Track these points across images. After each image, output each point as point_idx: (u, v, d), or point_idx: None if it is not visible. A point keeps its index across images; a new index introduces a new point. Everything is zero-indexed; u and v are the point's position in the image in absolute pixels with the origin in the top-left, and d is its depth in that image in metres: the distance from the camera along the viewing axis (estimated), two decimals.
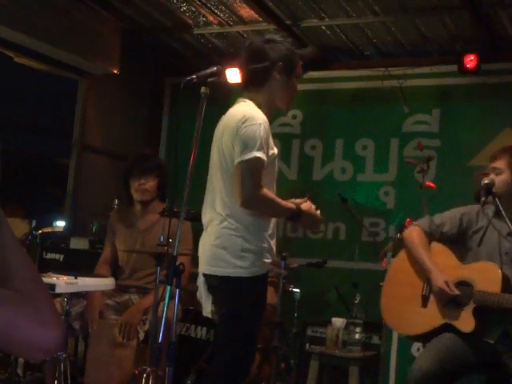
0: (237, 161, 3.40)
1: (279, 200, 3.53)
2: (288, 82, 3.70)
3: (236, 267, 3.42)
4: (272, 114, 3.74)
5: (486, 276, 3.72)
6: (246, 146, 3.38)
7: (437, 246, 3.97)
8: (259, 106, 3.59)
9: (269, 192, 3.48)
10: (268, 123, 3.51)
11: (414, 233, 4.01)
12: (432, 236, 3.97)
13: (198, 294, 3.70)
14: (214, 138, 3.67)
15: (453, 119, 6.41)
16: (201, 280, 3.64)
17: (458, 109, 6.42)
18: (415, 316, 3.90)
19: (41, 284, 1.45)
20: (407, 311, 3.95)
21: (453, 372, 3.64)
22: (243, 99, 3.69)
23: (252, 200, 3.41)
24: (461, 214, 3.94)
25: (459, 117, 6.38)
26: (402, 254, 4.10)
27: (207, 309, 3.66)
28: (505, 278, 3.69)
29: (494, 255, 3.81)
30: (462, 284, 3.78)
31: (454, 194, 5.92)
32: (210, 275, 3.50)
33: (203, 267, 3.55)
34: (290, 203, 3.58)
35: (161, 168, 5.01)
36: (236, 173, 3.41)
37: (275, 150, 3.57)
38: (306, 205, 3.61)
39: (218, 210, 3.52)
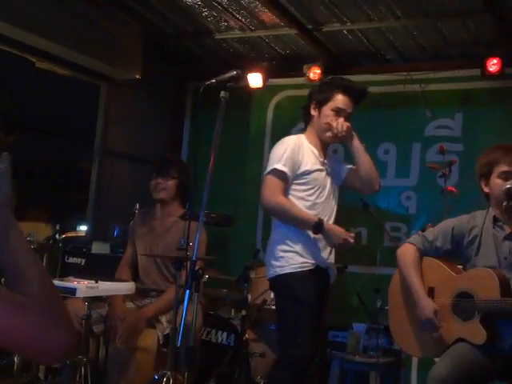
0: None
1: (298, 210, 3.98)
2: (320, 115, 4.10)
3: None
4: (324, 147, 4.23)
5: (483, 284, 3.66)
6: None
7: (430, 262, 3.92)
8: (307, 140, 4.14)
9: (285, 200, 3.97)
10: (300, 147, 4.05)
11: (406, 252, 3.97)
12: (427, 253, 3.93)
13: None
14: None
15: (476, 123, 6.35)
16: None
17: (481, 113, 6.37)
18: (426, 337, 3.85)
19: (53, 289, 1.45)
20: (417, 333, 3.90)
21: (471, 380, 3.59)
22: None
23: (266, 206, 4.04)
24: (451, 228, 3.89)
25: (482, 121, 6.32)
26: (398, 275, 4.06)
27: None
28: (503, 282, 3.62)
29: (492, 262, 3.74)
30: (463, 296, 3.73)
31: (476, 198, 5.87)
32: None
33: None
34: (311, 216, 3.91)
35: (180, 170, 5.06)
36: None
37: (309, 167, 4.03)
38: (334, 225, 4.05)
39: None
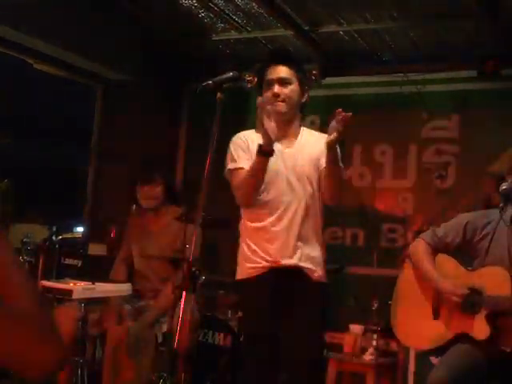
0: None
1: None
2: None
3: None
4: (281, 134, 3.82)
5: (494, 280, 3.66)
6: None
7: (442, 258, 3.93)
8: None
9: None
10: (240, 137, 3.96)
11: (418, 246, 3.99)
12: (437, 248, 3.93)
13: None
14: None
15: (472, 124, 6.36)
16: None
17: (478, 114, 6.37)
18: (428, 330, 3.85)
19: (40, 301, 1.43)
20: (420, 327, 3.90)
21: (470, 382, 3.59)
22: None
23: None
24: (465, 223, 3.87)
25: (479, 122, 6.33)
26: (408, 270, 4.06)
27: None
28: None
29: (503, 261, 3.74)
30: (472, 291, 3.73)
31: (473, 199, 5.87)
32: None
33: None
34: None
35: (164, 173, 5.05)
36: None
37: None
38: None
39: None
